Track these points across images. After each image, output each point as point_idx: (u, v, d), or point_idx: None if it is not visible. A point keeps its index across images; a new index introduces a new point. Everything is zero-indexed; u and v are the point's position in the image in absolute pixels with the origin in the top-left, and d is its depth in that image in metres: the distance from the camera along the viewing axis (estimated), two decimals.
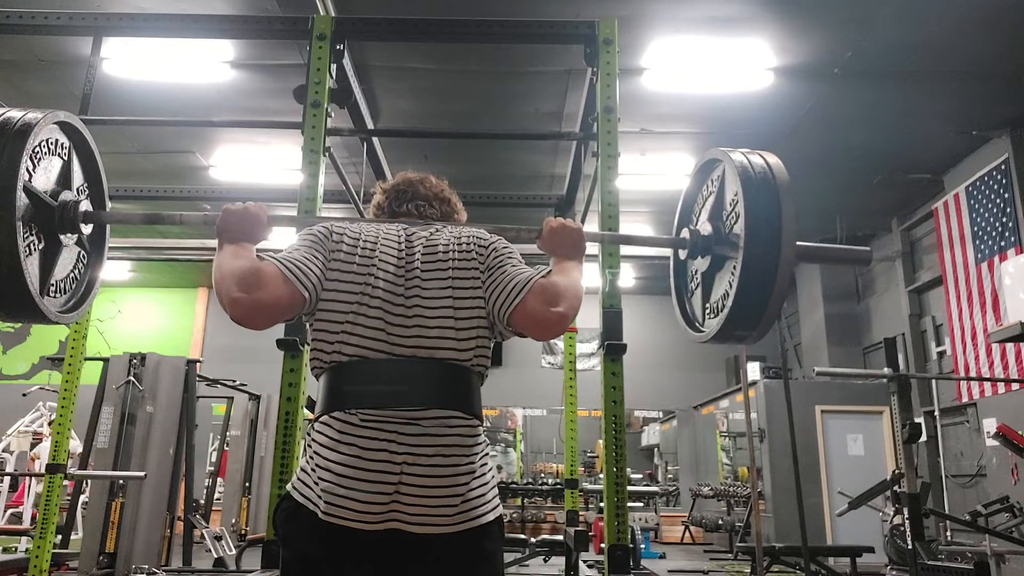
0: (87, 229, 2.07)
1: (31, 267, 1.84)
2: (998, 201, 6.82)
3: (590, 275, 2.67)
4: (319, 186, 2.56)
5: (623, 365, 2.45)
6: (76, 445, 6.84)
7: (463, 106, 6.60)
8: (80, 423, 5.51)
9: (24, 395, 8.34)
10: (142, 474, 5.39)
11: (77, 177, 2.09)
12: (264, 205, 1.67)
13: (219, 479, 8.94)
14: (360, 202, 3.95)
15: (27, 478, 8.01)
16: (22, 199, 1.77)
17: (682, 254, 2.14)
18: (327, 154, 2.71)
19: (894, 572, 5.54)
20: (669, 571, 7.02)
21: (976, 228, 7.13)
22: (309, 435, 1.49)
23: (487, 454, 1.54)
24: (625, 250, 2.62)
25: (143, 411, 5.77)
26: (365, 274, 1.53)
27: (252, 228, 1.61)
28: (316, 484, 1.42)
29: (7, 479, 8.11)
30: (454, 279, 1.56)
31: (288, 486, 1.48)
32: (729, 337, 1.97)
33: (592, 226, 2.97)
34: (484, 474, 1.50)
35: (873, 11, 5.12)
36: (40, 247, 1.92)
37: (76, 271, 2.14)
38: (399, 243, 1.62)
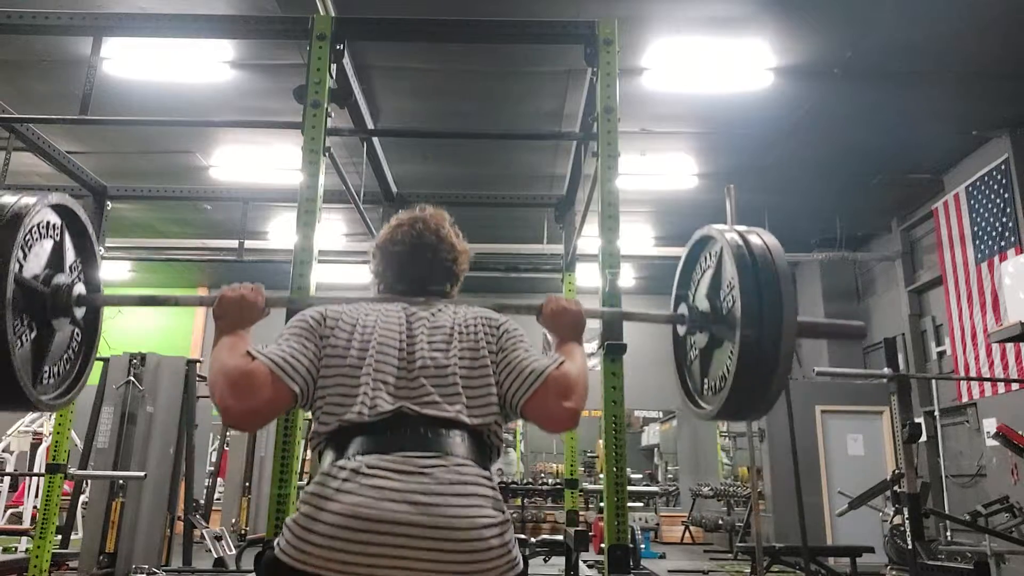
0: (80, 312, 2.01)
1: (22, 361, 1.80)
2: (998, 201, 6.82)
3: (591, 276, 2.67)
4: (319, 186, 2.56)
5: (623, 365, 2.45)
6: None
7: (463, 106, 6.60)
8: (80, 423, 5.52)
9: None
10: (142, 474, 5.39)
11: (69, 255, 2.02)
12: (261, 287, 1.69)
13: (219, 479, 8.94)
14: (360, 202, 3.95)
15: (27, 478, 8.01)
16: (13, 291, 1.72)
17: (681, 330, 2.14)
18: (327, 154, 2.71)
19: (894, 572, 5.54)
20: (669, 571, 7.02)
21: (976, 228, 7.13)
22: (307, 491, 1.37)
23: (506, 511, 1.42)
24: (625, 250, 2.61)
25: (143, 411, 5.77)
26: (363, 359, 1.49)
27: (249, 313, 1.64)
28: (314, 543, 1.29)
29: (7, 479, 8.11)
30: (460, 359, 1.52)
31: (276, 549, 1.34)
32: (730, 418, 1.98)
33: (592, 227, 2.96)
34: (504, 522, 1.38)
35: (873, 11, 5.12)
36: (32, 336, 1.86)
37: (70, 350, 2.09)
38: (399, 325, 1.57)
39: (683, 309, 2.07)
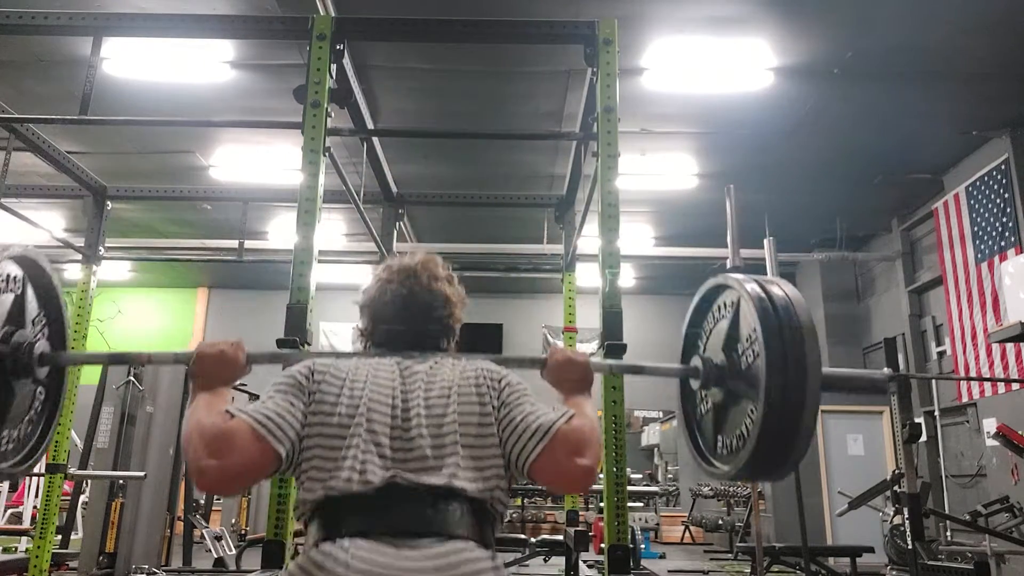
0: (43, 372, 1.82)
1: None
2: (998, 201, 6.82)
3: (591, 276, 2.66)
4: (319, 186, 2.56)
5: None
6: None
7: (463, 106, 6.60)
8: (80, 423, 5.52)
9: None
10: (142, 474, 5.39)
11: (31, 308, 1.86)
12: (241, 343, 1.54)
13: None
14: (360, 202, 3.94)
15: (27, 478, 8.01)
16: None
17: (694, 384, 1.97)
18: (327, 154, 2.70)
19: (894, 572, 5.54)
20: (669, 571, 7.02)
21: (976, 228, 7.13)
22: (299, 568, 1.30)
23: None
24: (625, 250, 2.61)
25: (143, 411, 5.77)
26: (353, 416, 1.38)
27: (228, 372, 1.50)
28: None
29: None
30: (460, 416, 1.41)
31: None
32: (749, 479, 1.86)
33: (592, 227, 2.96)
34: None
35: (873, 11, 5.12)
36: None
37: (32, 411, 1.90)
38: (393, 381, 1.46)
39: (696, 362, 1.91)
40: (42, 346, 1.79)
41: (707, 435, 1.99)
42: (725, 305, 1.92)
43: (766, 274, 4.80)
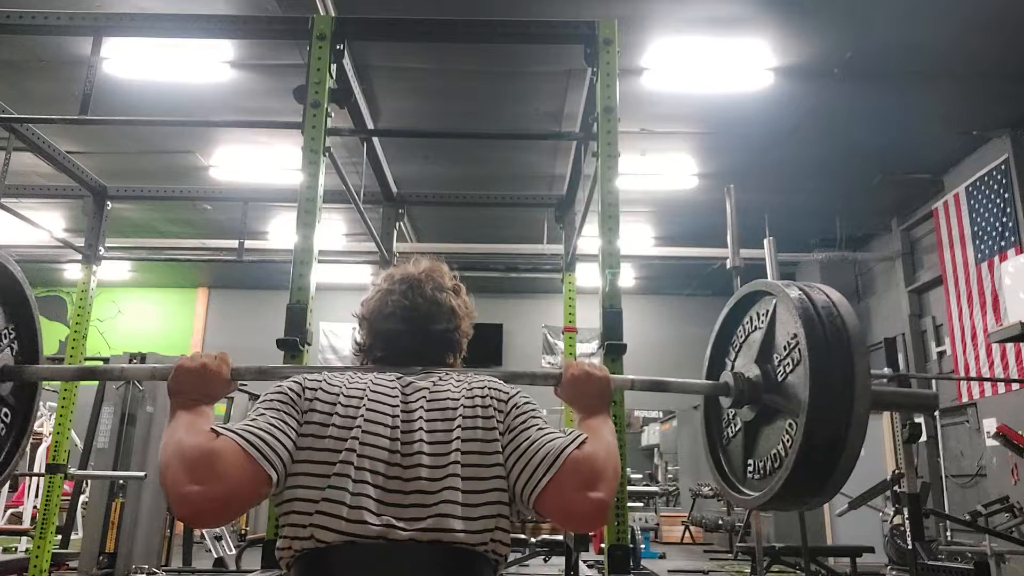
0: (7, 387, 1.66)
1: None
2: (998, 201, 6.82)
3: (591, 276, 2.66)
4: (319, 186, 2.56)
5: (623, 365, 2.44)
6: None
7: (463, 106, 6.60)
8: (80, 423, 5.52)
9: None
10: (142, 474, 5.39)
11: None
12: (226, 357, 1.41)
13: None
14: (360, 202, 3.94)
15: (27, 478, 8.01)
16: None
17: (725, 402, 1.80)
18: (327, 154, 2.70)
19: (894, 572, 5.54)
20: (669, 571, 7.03)
21: (976, 228, 7.13)
22: None
23: None
24: (625, 250, 2.60)
25: (143, 411, 5.77)
26: (345, 438, 1.26)
27: (211, 386, 1.36)
28: None
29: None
30: (464, 444, 1.28)
31: None
32: (784, 506, 1.70)
33: (592, 227, 2.96)
34: None
35: (873, 11, 5.12)
36: None
37: None
38: (393, 400, 1.33)
39: (727, 377, 1.74)
40: (4, 359, 1.63)
41: (735, 459, 1.84)
42: (759, 315, 1.78)
43: (767, 274, 4.81)
